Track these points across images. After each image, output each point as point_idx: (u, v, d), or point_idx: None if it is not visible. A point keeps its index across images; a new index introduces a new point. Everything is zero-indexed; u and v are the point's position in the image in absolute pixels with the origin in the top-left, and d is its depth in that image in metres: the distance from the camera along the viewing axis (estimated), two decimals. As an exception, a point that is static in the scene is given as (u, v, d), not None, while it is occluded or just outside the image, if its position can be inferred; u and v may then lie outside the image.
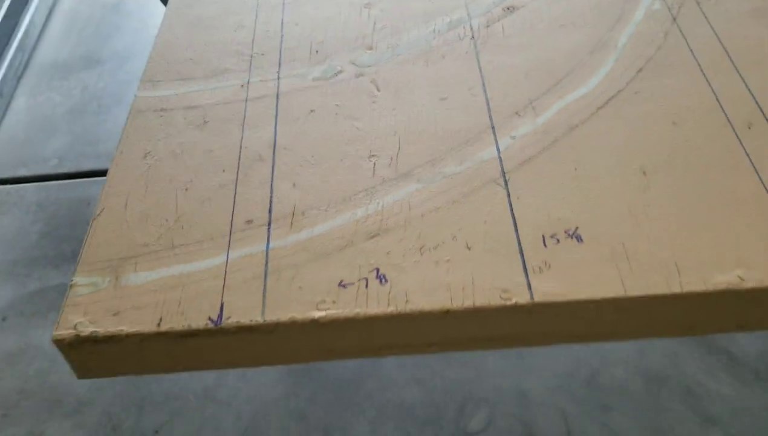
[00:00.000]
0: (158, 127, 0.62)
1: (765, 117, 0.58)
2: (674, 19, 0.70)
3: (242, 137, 0.61)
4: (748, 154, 0.55)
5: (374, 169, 0.57)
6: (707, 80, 0.62)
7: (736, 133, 0.57)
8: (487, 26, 0.71)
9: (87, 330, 0.47)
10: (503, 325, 0.48)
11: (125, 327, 0.47)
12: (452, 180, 0.56)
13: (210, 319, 0.47)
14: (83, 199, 1.78)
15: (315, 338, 0.48)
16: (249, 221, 0.54)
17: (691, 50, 0.66)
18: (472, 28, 0.71)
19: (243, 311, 0.47)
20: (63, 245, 1.68)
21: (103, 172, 1.81)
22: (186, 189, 0.57)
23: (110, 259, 0.52)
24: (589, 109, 0.61)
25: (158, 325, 0.47)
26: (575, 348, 1.42)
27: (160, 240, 0.53)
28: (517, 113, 0.61)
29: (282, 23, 0.74)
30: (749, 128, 0.58)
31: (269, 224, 0.53)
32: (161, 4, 2.40)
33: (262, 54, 0.70)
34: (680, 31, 0.68)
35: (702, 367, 1.38)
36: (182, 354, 0.48)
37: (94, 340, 0.47)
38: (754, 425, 1.29)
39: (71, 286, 0.50)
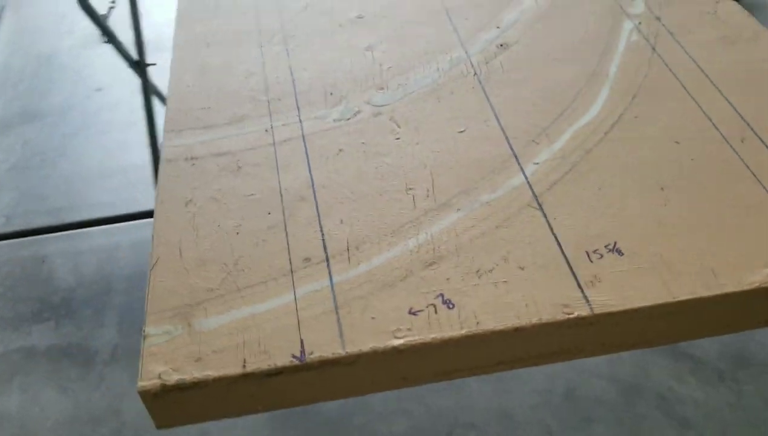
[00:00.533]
0: (193, 175, 0.64)
1: (754, 132, 0.65)
2: (653, 48, 0.77)
3: (279, 180, 0.63)
4: (747, 166, 0.62)
5: (414, 202, 0.60)
6: (696, 102, 0.69)
7: (732, 148, 0.64)
8: (486, 63, 0.76)
9: (173, 379, 0.47)
10: (566, 338, 0.52)
11: (211, 372, 0.48)
12: (490, 206, 0.59)
13: (293, 356, 0.49)
14: (37, 257, 1.72)
15: (393, 366, 0.50)
16: (307, 259, 0.56)
17: (675, 76, 0.73)
18: (473, 65, 0.76)
19: (323, 346, 0.49)
20: (20, 305, 1.62)
21: (55, 229, 1.76)
22: (237, 233, 0.58)
23: (177, 306, 0.52)
24: (597, 135, 0.66)
25: (243, 366, 0.48)
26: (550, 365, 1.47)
27: (224, 284, 0.54)
28: (533, 141, 0.66)
29: (290, 69, 0.76)
30: (743, 142, 0.64)
31: (327, 260, 0.55)
32: (95, 56, 2.36)
33: (279, 99, 0.72)
34: (661, 59, 0.75)
35: (671, 373, 1.46)
36: (265, 394, 0.49)
37: (180, 388, 0.47)
38: (727, 425, 1.37)
39: (144, 336, 0.50)
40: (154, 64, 1.66)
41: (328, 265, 0.55)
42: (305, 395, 0.50)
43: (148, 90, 1.63)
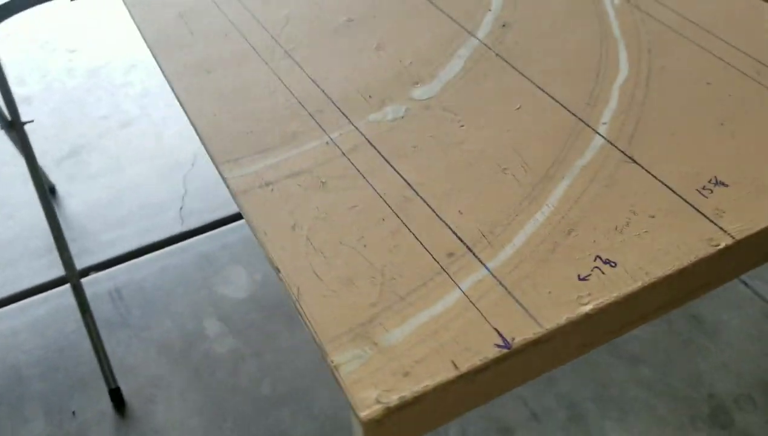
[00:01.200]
0: (280, 200, 0.60)
1: (763, 64, 0.72)
2: (638, 8, 0.83)
3: (372, 185, 0.61)
4: (779, 91, 0.68)
5: (516, 179, 0.61)
6: (702, 47, 0.75)
7: (756, 81, 0.70)
8: (501, 43, 0.78)
9: (393, 399, 0.45)
10: (713, 269, 0.55)
11: (427, 382, 0.46)
12: (588, 169, 0.61)
13: (498, 345, 0.47)
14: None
15: (579, 334, 0.51)
16: (451, 254, 0.54)
17: (671, 28, 0.79)
18: (489, 48, 0.78)
19: (520, 329, 0.49)
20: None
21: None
22: (364, 245, 0.55)
23: (350, 329, 0.49)
24: (641, 89, 0.70)
25: (456, 367, 0.46)
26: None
27: (384, 296, 0.51)
28: (588, 104, 0.69)
29: (313, 81, 0.74)
30: (759, 74, 0.71)
31: (471, 250, 0.54)
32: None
33: (320, 111, 0.70)
34: (651, 16, 0.81)
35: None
36: (473, 391, 0.48)
37: (402, 406, 0.45)
38: (669, 351, 1.50)
39: (335, 367, 0.47)
40: (31, 121, 1.52)
41: (474, 254, 0.54)
42: (505, 384, 0.49)
43: (30, 150, 1.48)
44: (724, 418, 1.38)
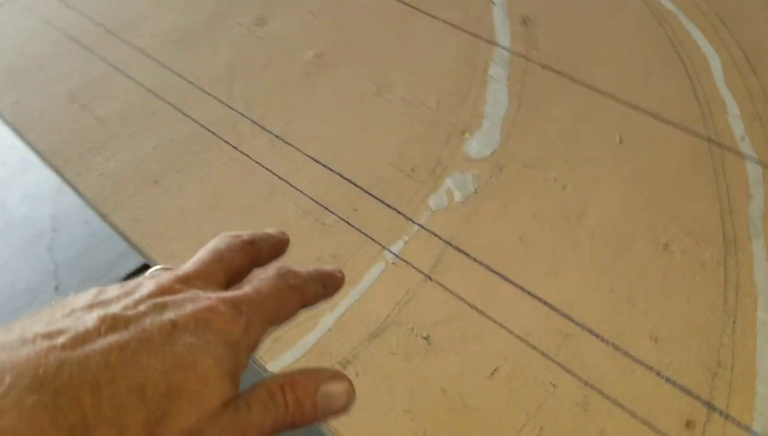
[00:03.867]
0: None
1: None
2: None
3: (505, 327, 0.40)
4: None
5: (691, 257, 0.42)
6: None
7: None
8: (536, 47, 0.58)
9: None
10: None
11: None
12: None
13: None
14: None
15: None
16: (690, 423, 0.35)
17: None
18: (525, 57, 0.58)
19: None
20: None
21: None
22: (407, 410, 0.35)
23: None
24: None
25: None
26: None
27: None
28: (703, 114, 0.51)
29: (317, 162, 0.51)
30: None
31: (713, 407, 0.36)
32: None
33: (354, 210, 0.47)
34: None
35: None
36: None
37: None
38: None
39: None
40: None
41: (721, 413, 0.35)
42: None
43: None
44: None
